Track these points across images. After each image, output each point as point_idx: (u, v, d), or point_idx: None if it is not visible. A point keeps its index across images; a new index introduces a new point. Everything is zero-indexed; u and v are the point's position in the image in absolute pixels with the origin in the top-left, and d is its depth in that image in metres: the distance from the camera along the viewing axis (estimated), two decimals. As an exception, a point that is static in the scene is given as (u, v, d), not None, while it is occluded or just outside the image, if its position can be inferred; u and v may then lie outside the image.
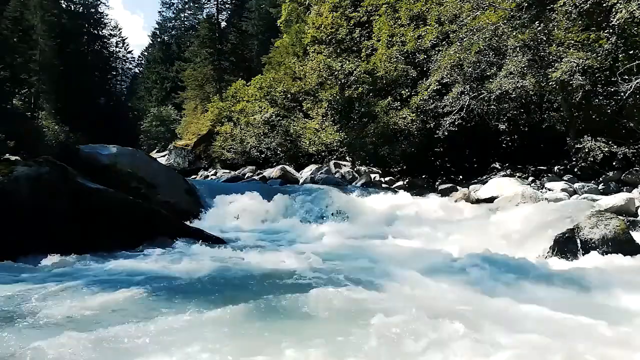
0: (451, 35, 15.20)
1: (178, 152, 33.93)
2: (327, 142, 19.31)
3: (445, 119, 14.84)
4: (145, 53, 58.22)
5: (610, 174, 12.35)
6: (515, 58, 13.22)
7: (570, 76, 12.01)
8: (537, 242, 7.33)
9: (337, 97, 18.67)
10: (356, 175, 17.86)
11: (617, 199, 9.73)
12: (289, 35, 27.80)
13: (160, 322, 3.82)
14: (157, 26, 56.88)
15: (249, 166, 25.20)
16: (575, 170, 12.92)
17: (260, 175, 20.87)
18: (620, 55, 11.88)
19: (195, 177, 25.95)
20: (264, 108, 24.67)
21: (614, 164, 12.44)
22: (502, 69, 13.60)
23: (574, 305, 4.56)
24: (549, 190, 11.88)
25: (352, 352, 3.36)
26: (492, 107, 14.27)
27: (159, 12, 79.67)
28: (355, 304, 4.37)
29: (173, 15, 56.08)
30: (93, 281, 5.16)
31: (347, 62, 18.63)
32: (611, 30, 11.71)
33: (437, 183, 15.46)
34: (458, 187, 13.92)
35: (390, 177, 17.59)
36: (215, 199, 11.62)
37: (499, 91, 13.51)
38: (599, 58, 11.76)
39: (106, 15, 66.49)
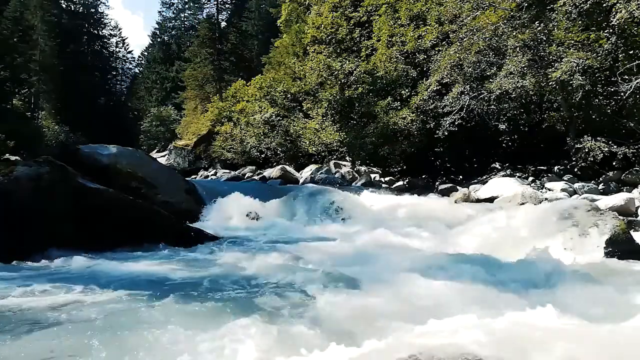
0: (451, 35, 15.22)
1: (178, 152, 33.97)
2: (327, 142, 19.32)
3: (445, 119, 14.85)
4: (145, 53, 58.32)
5: (610, 174, 12.36)
6: (515, 58, 13.23)
7: (570, 76, 12.02)
8: (538, 242, 7.31)
9: (337, 97, 18.66)
10: (356, 175, 17.86)
11: (617, 199, 9.74)
12: (289, 35, 27.83)
13: (159, 323, 3.82)
14: (157, 26, 57.14)
15: (249, 166, 25.25)
16: (575, 170, 12.92)
17: (260, 175, 20.91)
18: (620, 55, 11.89)
19: (195, 177, 25.96)
20: (264, 108, 24.67)
21: (614, 164, 12.44)
22: (502, 69, 13.62)
23: (575, 306, 4.56)
24: (549, 190, 11.88)
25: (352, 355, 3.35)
26: (492, 107, 14.29)
27: (159, 12, 79.97)
28: (355, 305, 4.36)
29: (173, 15, 56.26)
30: (92, 281, 5.15)
31: (347, 62, 18.63)
32: (611, 30, 11.72)
33: (437, 183, 15.46)
34: (458, 187, 13.91)
35: (390, 177, 17.59)
36: (215, 199, 11.61)
37: (499, 91, 13.52)
38: (599, 58, 11.77)
39: (106, 15, 66.73)
